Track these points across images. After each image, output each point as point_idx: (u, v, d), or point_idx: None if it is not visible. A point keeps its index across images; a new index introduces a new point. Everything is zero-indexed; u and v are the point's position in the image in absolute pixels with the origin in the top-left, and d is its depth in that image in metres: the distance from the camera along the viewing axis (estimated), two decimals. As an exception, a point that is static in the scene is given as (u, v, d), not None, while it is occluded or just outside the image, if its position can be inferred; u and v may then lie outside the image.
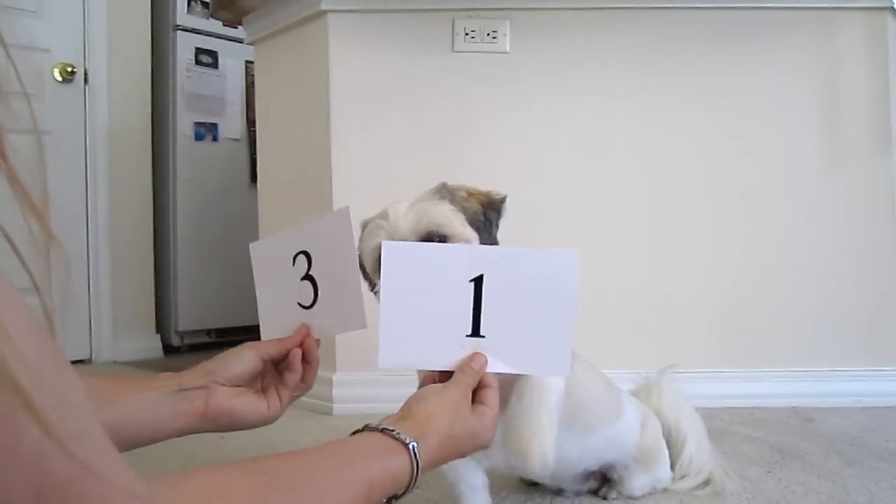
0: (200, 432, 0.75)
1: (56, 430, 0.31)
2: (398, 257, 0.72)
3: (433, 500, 1.08)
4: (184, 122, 2.83)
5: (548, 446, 0.81)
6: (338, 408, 1.69)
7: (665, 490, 1.08)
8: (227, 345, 2.83)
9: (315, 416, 1.67)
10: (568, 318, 0.74)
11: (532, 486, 1.12)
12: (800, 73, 1.76)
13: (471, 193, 0.86)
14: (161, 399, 0.72)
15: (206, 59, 2.89)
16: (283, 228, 1.78)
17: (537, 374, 0.77)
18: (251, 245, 0.92)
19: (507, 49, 1.75)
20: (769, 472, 1.19)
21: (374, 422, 0.65)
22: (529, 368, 0.76)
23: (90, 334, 2.61)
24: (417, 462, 0.61)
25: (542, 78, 1.75)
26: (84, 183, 2.63)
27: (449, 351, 0.74)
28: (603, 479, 1.07)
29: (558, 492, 1.08)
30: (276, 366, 0.81)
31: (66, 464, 0.32)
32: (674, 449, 1.09)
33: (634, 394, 1.12)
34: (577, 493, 1.08)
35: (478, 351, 0.74)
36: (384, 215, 0.84)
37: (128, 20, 2.76)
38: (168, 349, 2.83)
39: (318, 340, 0.83)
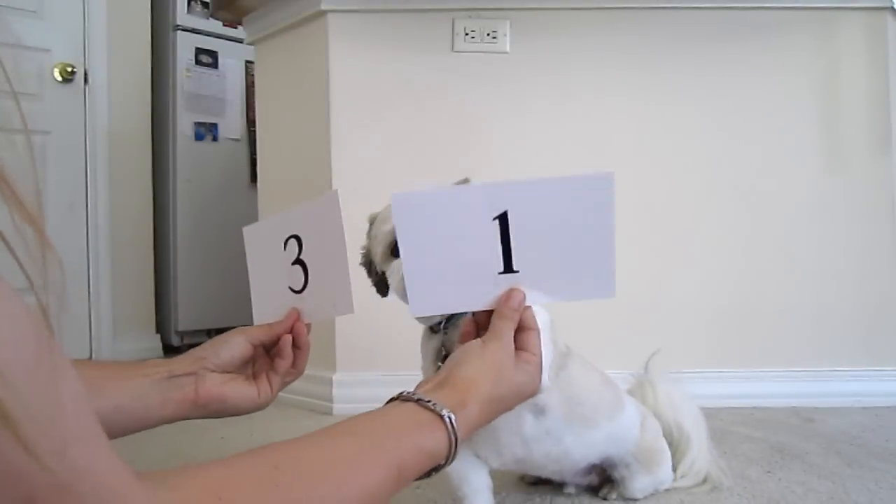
0: (191, 419, 0.74)
1: (35, 443, 0.31)
2: (408, 206, 0.68)
3: (433, 499, 1.08)
4: (184, 122, 2.83)
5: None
6: (338, 408, 1.69)
7: (665, 490, 1.08)
8: (228, 345, 2.75)
9: (315, 416, 1.67)
10: (609, 238, 0.71)
11: (532, 485, 1.12)
12: (800, 73, 1.76)
13: None
14: (151, 386, 0.70)
15: (206, 59, 2.89)
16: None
17: (580, 299, 0.72)
18: (244, 229, 0.91)
19: (507, 49, 1.75)
20: (769, 472, 1.19)
21: (410, 388, 0.62)
22: (572, 294, 0.71)
23: (90, 334, 2.61)
24: (455, 436, 0.57)
25: (542, 78, 1.75)
26: (84, 183, 2.63)
27: (483, 290, 0.69)
28: (604, 478, 1.07)
29: (559, 487, 1.08)
30: (268, 351, 0.80)
31: (48, 475, 0.32)
32: (676, 451, 1.09)
33: (629, 394, 1.12)
34: (578, 488, 1.08)
35: (514, 287, 0.69)
36: (384, 216, 0.84)
37: (128, 20, 2.76)
38: (168, 349, 2.83)
39: (309, 326, 0.82)
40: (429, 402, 0.58)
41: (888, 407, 1.66)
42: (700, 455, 1.09)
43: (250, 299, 0.91)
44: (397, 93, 1.76)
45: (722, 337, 1.74)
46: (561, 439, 0.92)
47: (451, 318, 0.87)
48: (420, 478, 0.57)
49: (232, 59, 2.96)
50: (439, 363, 0.86)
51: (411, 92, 1.76)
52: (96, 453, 0.36)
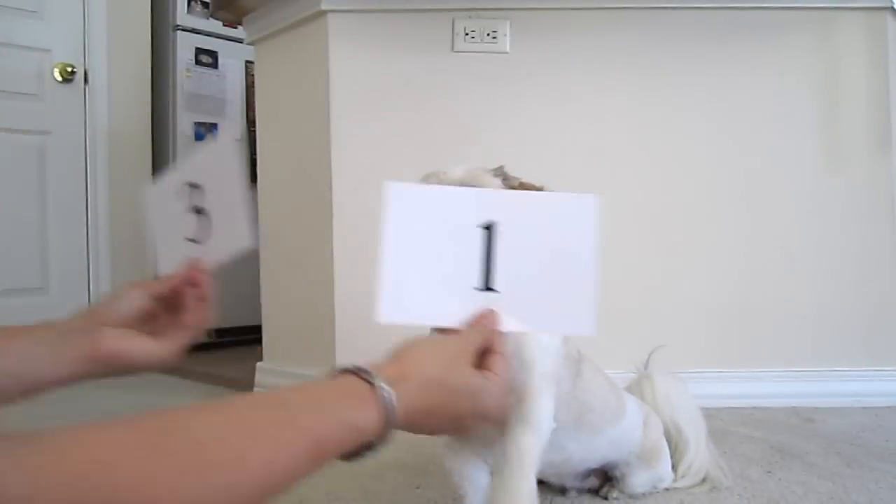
0: (92, 378, 0.68)
1: None
2: (404, 199, 0.66)
3: (433, 499, 1.08)
4: (184, 122, 2.83)
5: (544, 412, 0.81)
6: (338, 408, 1.68)
7: (665, 489, 1.08)
8: (228, 345, 2.84)
9: (315, 416, 1.67)
10: (588, 270, 0.67)
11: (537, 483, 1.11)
12: (800, 73, 1.76)
13: (522, 183, 0.87)
14: (38, 346, 0.65)
15: (206, 59, 2.89)
16: (283, 228, 1.80)
17: (557, 333, 0.71)
18: (146, 191, 0.87)
19: (507, 49, 1.75)
20: (769, 472, 1.19)
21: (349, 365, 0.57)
22: (548, 326, 0.69)
23: (90, 334, 2.61)
24: (389, 410, 0.51)
25: (542, 78, 1.75)
26: (84, 183, 2.63)
27: (457, 305, 0.66)
28: (604, 477, 1.07)
29: (560, 491, 1.08)
30: (170, 306, 0.75)
31: None
32: (675, 452, 1.09)
33: (628, 391, 1.12)
34: (579, 491, 1.08)
35: (490, 308, 0.66)
36: (434, 173, 0.85)
37: (128, 20, 2.76)
38: (168, 349, 2.83)
39: (211, 277, 0.78)
40: (364, 371, 0.53)
41: (888, 407, 1.66)
42: (698, 455, 1.09)
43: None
44: (397, 93, 1.76)
45: (722, 337, 1.74)
46: (564, 448, 0.91)
47: None
48: (351, 457, 0.52)
49: (232, 59, 2.96)
50: None
51: (411, 92, 1.76)
52: None
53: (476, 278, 0.66)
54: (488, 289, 0.66)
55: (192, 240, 0.79)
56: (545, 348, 0.83)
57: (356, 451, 0.52)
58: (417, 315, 0.67)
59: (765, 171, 1.76)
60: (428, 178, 0.86)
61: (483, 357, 0.62)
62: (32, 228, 2.50)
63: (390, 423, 0.51)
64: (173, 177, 0.83)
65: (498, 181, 0.84)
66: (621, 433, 0.99)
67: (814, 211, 1.75)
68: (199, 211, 0.79)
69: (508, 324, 0.66)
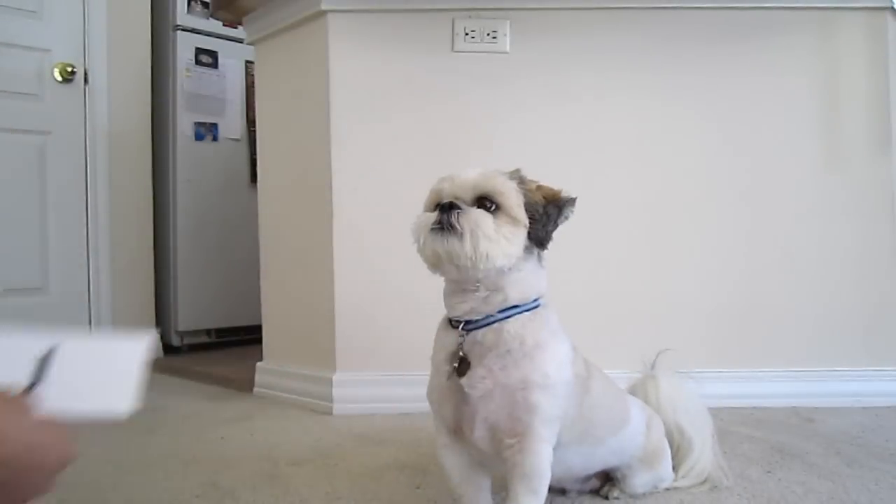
0: None
1: None
2: None
3: (433, 499, 1.08)
4: (184, 122, 2.83)
5: (545, 466, 0.83)
6: (338, 408, 1.69)
7: (665, 489, 1.08)
8: (227, 345, 2.84)
9: (315, 416, 1.67)
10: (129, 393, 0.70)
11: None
12: (800, 73, 1.76)
13: (539, 187, 0.87)
14: None
15: (206, 59, 2.89)
16: (283, 228, 1.79)
17: (89, 411, 0.69)
18: None
19: (507, 49, 1.75)
20: (769, 472, 1.19)
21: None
22: (82, 406, 0.68)
23: (90, 331, 2.61)
24: None
25: (542, 78, 1.75)
26: (84, 183, 2.63)
27: None
28: (605, 478, 1.07)
29: (560, 491, 1.08)
30: None
31: None
32: (678, 453, 1.09)
33: (632, 391, 1.12)
34: (579, 492, 1.08)
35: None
36: (449, 176, 0.85)
37: (128, 20, 2.76)
38: (168, 349, 2.83)
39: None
40: None
41: (888, 407, 1.66)
42: (702, 457, 1.09)
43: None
44: (397, 93, 1.76)
45: (722, 337, 1.74)
46: (564, 460, 0.91)
47: (470, 321, 0.85)
48: None
49: (232, 59, 2.96)
50: (455, 364, 0.84)
51: (411, 92, 1.76)
52: None
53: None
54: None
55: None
56: (553, 389, 0.82)
57: None
58: None
59: (765, 171, 1.76)
60: (441, 182, 0.86)
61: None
62: (32, 228, 2.50)
63: None
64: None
65: (513, 184, 0.84)
66: (623, 441, 0.99)
67: (814, 211, 1.75)
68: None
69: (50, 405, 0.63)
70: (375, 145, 1.75)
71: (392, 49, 1.76)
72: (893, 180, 1.76)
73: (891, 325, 1.74)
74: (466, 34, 1.74)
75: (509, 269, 0.81)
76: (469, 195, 0.82)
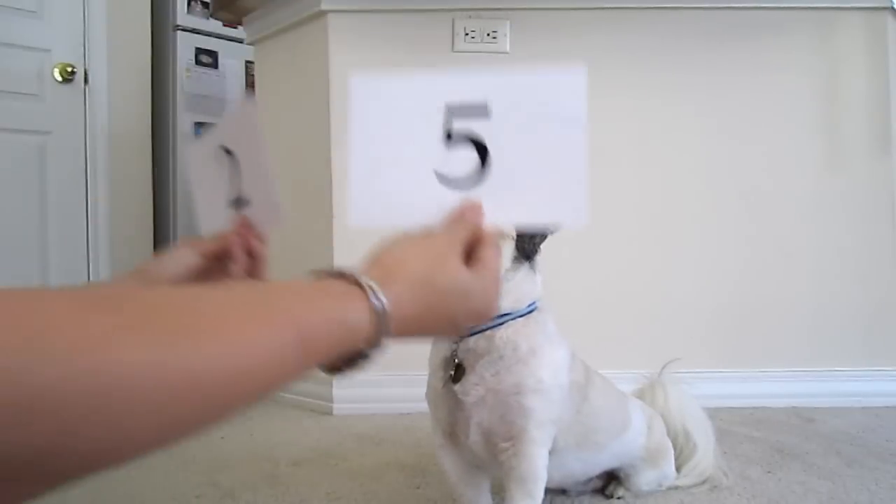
0: None
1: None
2: (370, 92, 0.61)
3: (433, 499, 1.08)
4: (184, 122, 2.83)
5: (541, 469, 0.82)
6: (338, 408, 1.69)
7: (666, 488, 1.08)
8: (227, 345, 2.79)
9: (315, 416, 1.67)
10: (578, 153, 0.59)
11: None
12: (800, 73, 1.76)
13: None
14: None
15: (206, 59, 2.89)
16: (282, 228, 1.78)
17: (547, 224, 0.64)
18: (187, 150, 0.83)
19: (507, 49, 1.75)
20: (769, 472, 1.19)
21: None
22: (536, 217, 0.61)
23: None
24: (380, 308, 0.45)
25: (542, 78, 1.75)
26: (84, 183, 2.63)
27: (435, 202, 0.59)
28: (608, 477, 1.07)
29: (561, 490, 1.08)
30: (222, 265, 0.72)
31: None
32: (681, 454, 1.10)
33: (639, 395, 1.12)
34: (580, 493, 1.08)
35: (471, 199, 0.59)
36: None
37: (128, 20, 2.76)
38: (168, 349, 2.83)
39: (261, 236, 0.76)
40: (346, 273, 0.46)
41: (888, 407, 1.66)
42: (705, 458, 1.10)
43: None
44: (397, 93, 1.76)
45: (722, 337, 1.74)
46: (565, 465, 0.91)
47: None
48: (341, 368, 0.47)
49: (232, 59, 2.96)
50: (451, 372, 0.83)
51: (411, 92, 1.76)
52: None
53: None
54: (467, 180, 0.60)
55: (232, 204, 0.75)
56: (548, 393, 0.82)
57: (347, 361, 0.46)
58: (393, 216, 0.61)
59: (765, 171, 1.76)
60: None
61: (471, 251, 0.55)
62: (32, 228, 2.50)
63: (383, 323, 0.45)
64: (210, 137, 0.78)
65: None
66: (624, 445, 0.99)
67: (814, 211, 1.75)
68: (235, 177, 0.74)
69: (494, 216, 0.59)
70: (375, 145, 1.75)
71: (392, 49, 1.76)
72: (893, 180, 1.76)
73: (891, 325, 1.74)
74: (466, 34, 1.74)
75: None
76: None
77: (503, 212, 0.59)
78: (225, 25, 2.70)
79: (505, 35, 1.74)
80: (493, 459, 0.85)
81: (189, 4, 2.86)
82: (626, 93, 1.76)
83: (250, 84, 2.90)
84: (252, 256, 0.71)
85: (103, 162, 2.67)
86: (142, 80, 2.81)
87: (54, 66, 2.54)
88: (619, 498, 1.05)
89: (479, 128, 0.59)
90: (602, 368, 1.02)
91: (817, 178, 1.76)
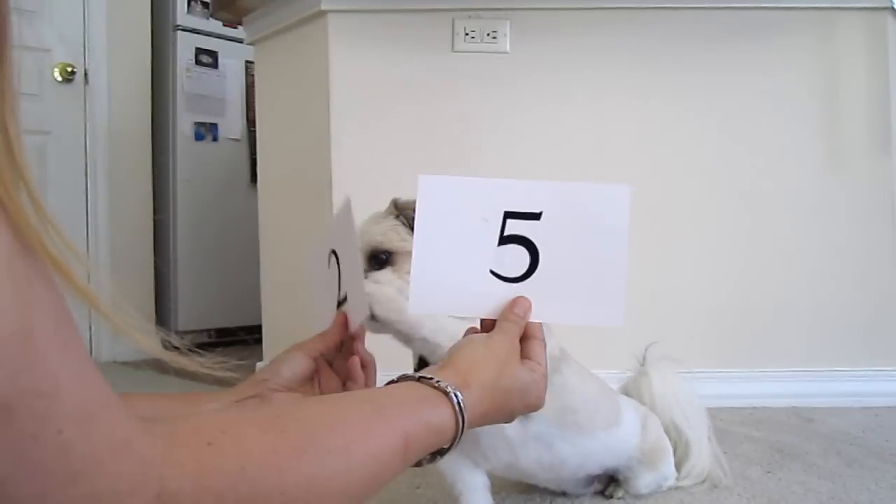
0: None
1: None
2: (436, 191, 0.67)
3: (433, 499, 1.08)
4: (184, 122, 2.83)
5: None
6: (338, 408, 1.68)
7: (666, 489, 1.08)
8: (227, 345, 2.84)
9: (315, 416, 1.67)
10: (620, 261, 0.67)
11: (534, 484, 1.11)
12: (800, 73, 1.76)
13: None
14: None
15: (206, 59, 2.89)
16: (283, 228, 1.79)
17: (587, 324, 0.69)
18: (307, 256, 0.90)
19: (507, 49, 1.75)
20: (769, 472, 1.19)
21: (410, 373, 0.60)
22: (578, 318, 0.68)
23: (90, 334, 2.61)
24: (462, 412, 0.53)
25: (542, 78, 1.75)
26: (84, 183, 2.63)
27: (488, 296, 0.67)
28: (608, 480, 1.07)
29: (562, 494, 1.08)
30: (330, 364, 0.78)
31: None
32: (676, 452, 1.09)
33: (625, 391, 1.12)
34: (581, 495, 1.08)
35: (521, 296, 0.67)
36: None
37: (128, 20, 2.76)
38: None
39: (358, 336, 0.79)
40: (431, 378, 0.55)
41: (888, 407, 1.66)
42: (700, 457, 1.09)
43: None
44: (397, 93, 1.76)
45: (722, 337, 1.74)
46: (552, 445, 0.90)
47: None
48: (424, 461, 0.55)
49: (232, 59, 2.96)
50: (415, 368, 0.85)
51: (411, 92, 1.76)
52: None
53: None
54: (518, 279, 0.67)
55: (339, 303, 0.80)
56: None
57: (432, 456, 0.54)
58: (449, 305, 0.68)
59: (765, 171, 1.76)
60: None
61: (523, 344, 0.65)
62: (32, 228, 2.50)
63: (464, 425, 0.53)
64: (322, 240, 0.85)
65: (389, 223, 0.83)
66: (616, 441, 0.98)
67: (814, 211, 1.75)
68: (339, 274, 0.80)
69: (540, 314, 0.67)
70: (375, 145, 1.75)
71: (392, 49, 1.76)
72: (893, 180, 1.76)
73: (891, 325, 1.74)
74: (466, 34, 1.74)
75: None
76: (366, 256, 0.81)
77: (548, 309, 0.67)
78: (225, 25, 2.70)
79: (505, 35, 1.74)
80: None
81: (189, 4, 2.86)
82: (626, 93, 1.76)
83: (250, 84, 2.90)
84: (363, 364, 0.77)
85: (103, 162, 2.67)
86: (142, 80, 2.81)
87: (54, 66, 2.54)
88: (618, 498, 1.05)
89: (531, 232, 0.67)
90: (599, 369, 1.02)
91: (817, 177, 1.76)
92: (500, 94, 1.75)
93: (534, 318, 0.67)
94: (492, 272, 0.67)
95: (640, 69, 1.75)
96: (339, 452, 0.43)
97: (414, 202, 0.77)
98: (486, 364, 0.59)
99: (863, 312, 1.74)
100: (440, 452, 0.55)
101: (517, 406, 0.62)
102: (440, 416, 0.52)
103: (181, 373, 2.33)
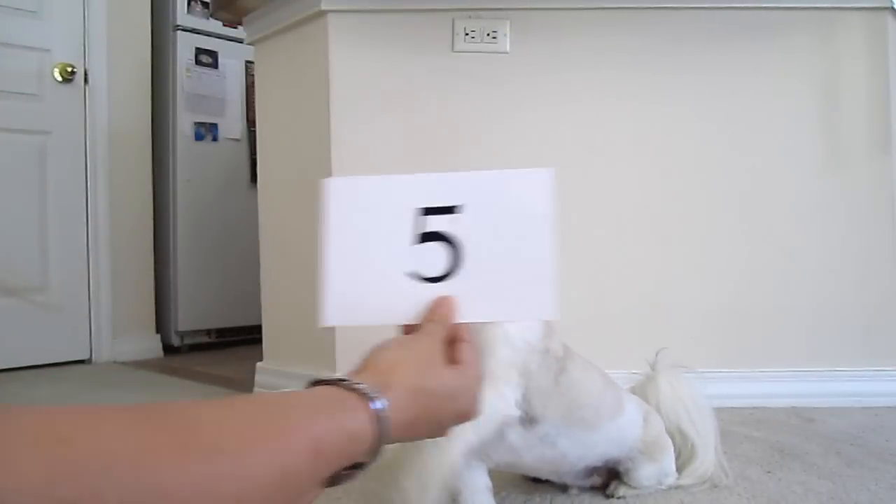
0: None
1: None
2: (342, 194, 0.64)
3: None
4: (184, 122, 2.83)
5: (492, 398, 0.79)
6: (338, 408, 1.68)
7: (667, 488, 1.08)
8: (227, 345, 2.83)
9: (315, 416, 1.66)
10: (546, 250, 0.61)
11: (535, 481, 1.11)
12: (800, 73, 1.76)
13: None
14: None
15: (206, 59, 2.89)
16: (283, 228, 1.78)
17: (517, 319, 0.67)
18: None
19: (507, 49, 1.75)
20: (769, 472, 1.19)
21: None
22: (509, 313, 0.64)
23: (90, 334, 2.61)
24: (382, 417, 0.47)
25: (542, 78, 1.75)
26: (84, 183, 2.63)
27: (409, 300, 0.61)
28: (609, 475, 1.07)
29: (561, 489, 1.08)
30: None
31: None
32: (679, 456, 1.09)
33: (634, 392, 1.12)
34: (582, 489, 1.08)
35: (444, 296, 0.61)
36: None
37: (128, 20, 2.76)
38: (168, 349, 2.83)
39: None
40: (347, 381, 0.48)
41: (888, 407, 1.66)
42: (704, 462, 1.09)
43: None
44: (397, 93, 1.76)
45: (722, 337, 1.74)
46: (556, 443, 0.91)
47: None
48: (343, 477, 0.48)
49: (232, 59, 2.96)
50: None
51: (411, 92, 1.76)
52: None
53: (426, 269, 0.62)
54: (439, 279, 0.61)
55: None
56: (507, 337, 0.84)
57: (345, 471, 0.47)
58: (367, 315, 0.62)
59: (765, 172, 1.76)
60: None
61: (450, 348, 0.58)
62: (32, 228, 2.50)
63: (384, 431, 0.47)
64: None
65: None
66: (619, 431, 0.99)
67: (814, 211, 1.75)
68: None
69: (467, 313, 0.60)
70: (375, 145, 1.75)
71: (392, 49, 1.76)
72: (893, 180, 1.76)
73: (891, 325, 1.74)
74: (466, 34, 1.74)
75: None
76: None
77: (476, 307, 0.61)
78: (225, 25, 2.70)
79: (505, 35, 1.74)
80: None
81: (189, 4, 2.86)
82: (625, 93, 1.76)
83: (250, 84, 2.90)
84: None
85: (103, 162, 2.67)
86: (142, 80, 2.81)
87: (54, 66, 2.54)
88: (620, 497, 1.05)
89: (450, 227, 0.61)
90: (602, 368, 1.02)
91: (817, 178, 1.76)
92: (500, 94, 1.75)
93: (462, 319, 0.60)
94: (411, 274, 0.62)
95: (640, 69, 1.75)
96: (233, 453, 0.37)
97: None
98: (407, 365, 0.53)
99: (863, 312, 1.74)
100: (360, 466, 0.48)
101: (448, 414, 0.55)
102: (356, 421, 0.46)
103: (184, 373, 2.34)
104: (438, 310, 0.60)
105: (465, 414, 0.57)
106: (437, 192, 0.62)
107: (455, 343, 0.58)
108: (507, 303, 0.62)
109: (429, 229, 0.61)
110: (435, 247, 0.61)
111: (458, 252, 0.61)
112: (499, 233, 0.61)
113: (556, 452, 0.92)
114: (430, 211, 0.62)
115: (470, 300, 0.61)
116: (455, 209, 0.62)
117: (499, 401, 0.82)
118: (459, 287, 0.61)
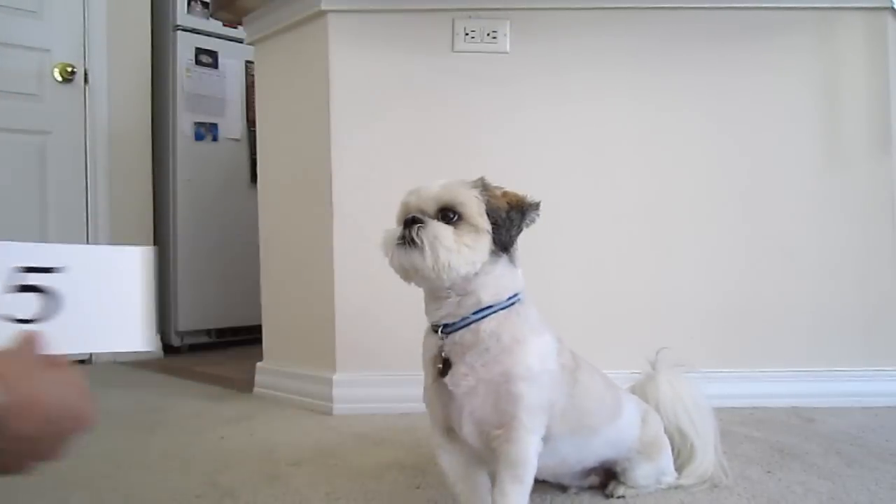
0: None
1: None
2: None
3: (433, 499, 1.08)
4: (184, 122, 2.83)
5: (532, 455, 0.84)
6: (338, 408, 1.69)
7: (666, 488, 1.08)
8: (227, 345, 2.84)
9: (315, 417, 1.67)
10: (137, 291, 0.71)
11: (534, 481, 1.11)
12: (800, 73, 1.76)
13: (504, 193, 0.89)
14: None
15: (206, 59, 2.89)
16: (282, 228, 1.79)
17: (112, 350, 0.73)
18: None
19: (507, 49, 1.75)
20: (769, 472, 1.19)
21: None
22: (105, 344, 0.71)
23: (90, 334, 2.61)
24: None
25: (542, 78, 1.75)
26: (84, 183, 2.63)
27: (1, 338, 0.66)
28: (607, 475, 1.07)
29: (560, 489, 1.08)
30: None
31: None
32: (679, 456, 1.09)
33: (633, 392, 1.12)
34: (579, 490, 1.08)
35: (30, 331, 0.66)
36: (416, 189, 0.88)
37: (128, 20, 2.76)
38: (168, 349, 2.83)
39: None
40: None
41: (888, 407, 1.66)
42: (704, 462, 1.09)
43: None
44: (397, 93, 1.76)
45: (722, 337, 1.74)
46: (558, 451, 0.92)
47: (448, 325, 0.87)
48: None
49: (232, 59, 2.96)
50: (439, 365, 0.87)
51: (411, 92, 1.76)
52: None
53: (14, 313, 0.67)
54: (29, 321, 0.67)
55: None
56: (537, 379, 0.85)
57: None
58: None
59: (765, 171, 1.76)
60: (408, 195, 0.88)
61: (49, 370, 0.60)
62: (32, 228, 2.50)
63: None
64: None
65: (475, 192, 0.86)
66: (618, 432, 0.99)
67: (814, 211, 1.75)
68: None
69: (58, 345, 0.65)
70: (375, 145, 1.75)
71: (392, 49, 1.76)
72: (893, 180, 1.76)
73: (891, 325, 1.74)
74: (466, 34, 1.74)
75: (476, 273, 0.84)
76: (433, 207, 0.85)
77: (69, 340, 0.67)
78: (225, 25, 2.70)
79: (505, 35, 1.74)
80: (487, 449, 0.87)
81: (189, 4, 2.86)
82: (625, 93, 1.76)
83: (250, 84, 2.90)
84: None
85: (103, 162, 2.67)
86: (142, 79, 2.81)
87: (54, 66, 2.54)
88: (619, 497, 1.05)
89: (52, 282, 0.68)
90: (602, 369, 1.02)
91: (817, 178, 1.76)
92: (500, 94, 1.75)
93: (57, 350, 0.64)
94: (3, 316, 0.66)
95: (640, 69, 1.75)
96: None
97: (497, 188, 0.86)
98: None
99: (863, 312, 1.74)
100: None
101: (49, 399, 0.56)
102: None
103: (184, 373, 2.34)
104: (24, 342, 0.62)
105: (75, 407, 0.58)
106: (40, 256, 0.69)
107: (53, 367, 0.60)
108: (104, 337, 0.71)
109: (28, 283, 0.67)
110: (30, 296, 0.68)
111: (56, 301, 0.68)
112: (99, 290, 0.70)
113: (557, 458, 0.93)
114: (31, 269, 0.68)
115: (63, 336, 0.67)
116: (59, 269, 0.69)
117: (535, 455, 0.85)
118: (56, 325, 0.67)
